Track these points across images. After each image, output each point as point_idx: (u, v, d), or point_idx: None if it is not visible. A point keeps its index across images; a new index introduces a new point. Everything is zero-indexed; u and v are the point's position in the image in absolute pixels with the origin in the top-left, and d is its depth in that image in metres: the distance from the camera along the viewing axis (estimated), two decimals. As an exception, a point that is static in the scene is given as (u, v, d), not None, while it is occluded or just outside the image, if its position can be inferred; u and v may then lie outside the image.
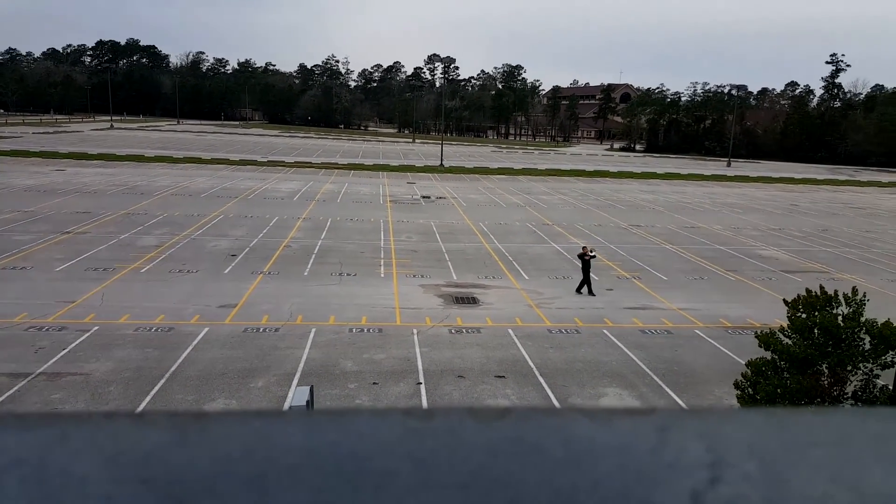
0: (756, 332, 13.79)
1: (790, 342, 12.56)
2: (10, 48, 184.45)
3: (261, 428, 0.57)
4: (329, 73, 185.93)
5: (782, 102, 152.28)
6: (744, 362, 13.56)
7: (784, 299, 14.01)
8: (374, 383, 14.56)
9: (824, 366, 12.28)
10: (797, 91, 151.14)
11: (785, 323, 13.28)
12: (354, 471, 0.53)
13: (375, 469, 0.53)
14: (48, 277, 21.44)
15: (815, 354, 12.21)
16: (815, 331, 12.44)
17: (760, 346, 12.94)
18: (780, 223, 41.53)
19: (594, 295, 22.11)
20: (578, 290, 22.35)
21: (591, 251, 23.05)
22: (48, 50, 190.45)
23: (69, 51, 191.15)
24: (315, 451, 0.55)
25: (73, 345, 15.85)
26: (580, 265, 22.67)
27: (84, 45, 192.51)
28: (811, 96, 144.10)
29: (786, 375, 12.25)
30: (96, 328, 17.00)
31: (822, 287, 13.31)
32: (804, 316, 12.74)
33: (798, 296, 13.30)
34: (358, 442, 0.56)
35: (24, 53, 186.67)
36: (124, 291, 20.28)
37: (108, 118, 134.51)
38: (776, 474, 0.53)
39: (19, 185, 42.27)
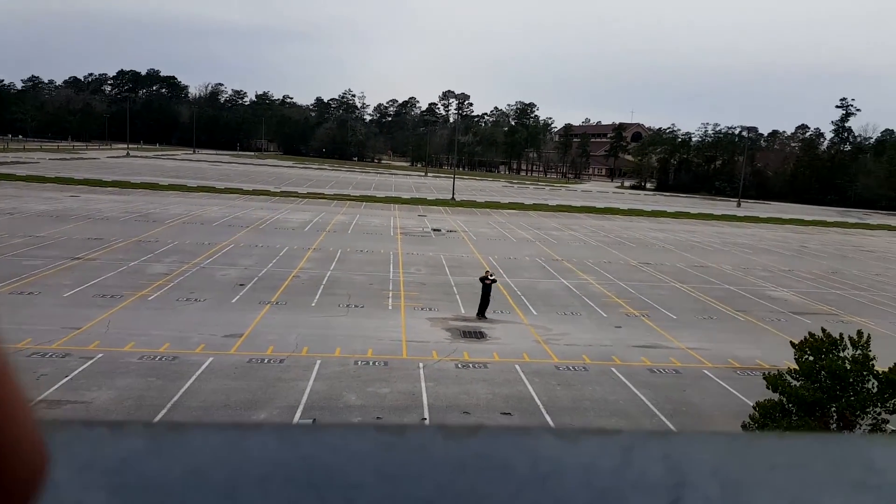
0: (764, 374, 13.67)
1: (798, 384, 12.43)
2: (32, 76, 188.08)
3: (234, 439, 0.58)
4: (345, 107, 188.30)
5: (792, 145, 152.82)
6: (752, 403, 13.43)
7: (791, 341, 13.90)
8: (378, 418, 14.42)
9: (833, 409, 12.14)
10: (807, 133, 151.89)
11: (793, 365, 13.16)
12: (324, 483, 0.54)
13: (344, 482, 0.54)
14: (55, 303, 21.49)
15: (823, 398, 12.07)
16: (823, 373, 12.33)
17: (768, 388, 12.82)
18: (790, 264, 41.30)
19: (486, 318, 22.78)
20: (478, 315, 22.99)
21: (492, 276, 23.89)
22: (70, 78, 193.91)
23: (90, 79, 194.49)
24: (286, 464, 0.55)
25: (76, 372, 15.81)
26: (481, 288, 23.45)
27: (105, 74, 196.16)
28: (821, 139, 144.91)
29: (794, 418, 12.10)
30: (100, 355, 16.97)
31: (823, 330, 13.22)
32: (811, 359, 12.63)
33: (804, 338, 13.20)
34: (329, 455, 0.56)
35: (46, 81, 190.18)
36: (130, 319, 20.29)
37: (125, 146, 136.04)
38: (737, 496, 0.54)
39: (33, 210, 42.66)
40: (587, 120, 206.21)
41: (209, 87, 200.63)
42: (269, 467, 0.55)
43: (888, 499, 0.54)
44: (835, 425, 12.06)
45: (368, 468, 0.55)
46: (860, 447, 0.61)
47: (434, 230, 47.03)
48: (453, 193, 75.22)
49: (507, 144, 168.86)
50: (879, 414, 12.12)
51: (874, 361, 12.45)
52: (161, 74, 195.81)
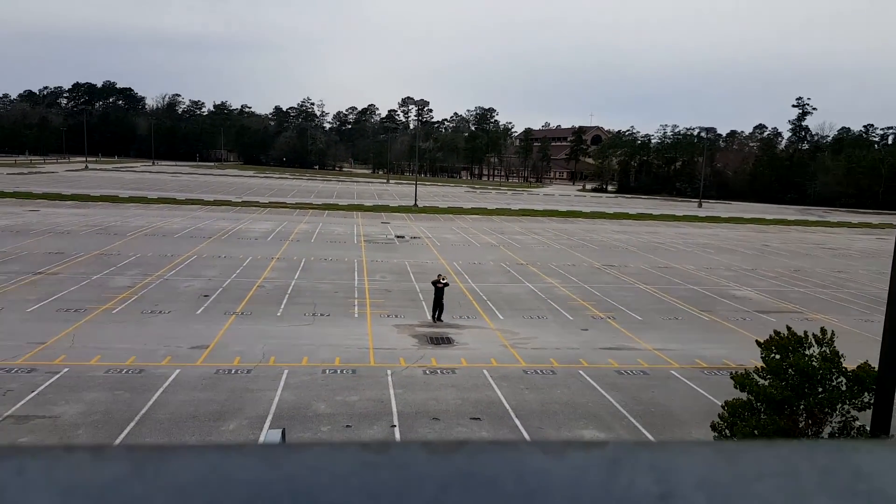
0: (732, 373, 13.85)
1: (766, 383, 12.61)
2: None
3: (218, 461, 0.57)
4: (304, 115, 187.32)
5: (751, 144, 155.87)
6: (720, 403, 13.59)
7: (757, 340, 14.12)
8: (348, 426, 14.36)
9: (801, 407, 12.32)
10: (765, 133, 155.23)
11: (760, 363, 13.36)
12: None
13: (329, 502, 0.53)
14: (19, 318, 20.99)
15: (791, 396, 12.26)
16: (790, 371, 12.52)
17: (736, 387, 12.97)
18: (753, 263, 42.11)
19: (441, 321, 23.08)
20: (433, 318, 23.32)
21: (444, 279, 24.09)
22: (24, 92, 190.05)
23: (45, 92, 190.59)
24: (271, 485, 0.55)
25: (43, 387, 15.47)
26: (433, 293, 23.69)
27: (61, 87, 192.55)
28: (779, 138, 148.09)
29: (763, 417, 12.25)
30: (66, 370, 16.63)
31: (788, 328, 13.44)
32: (778, 357, 12.82)
33: (770, 337, 13.40)
34: (313, 475, 0.56)
35: (0, 95, 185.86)
36: (95, 333, 19.90)
37: (84, 159, 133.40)
38: None
39: (-12, 225, 41.61)
40: (547, 124, 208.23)
41: (166, 98, 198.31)
42: (253, 489, 0.55)
43: None
44: (803, 423, 12.26)
45: (353, 487, 0.55)
46: (848, 453, 0.62)
47: (398, 237, 46.99)
48: (416, 200, 75.25)
49: (467, 150, 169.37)
50: (848, 412, 12.33)
51: (843, 358, 12.69)
52: (117, 86, 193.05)
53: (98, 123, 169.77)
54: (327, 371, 17.61)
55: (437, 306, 23.44)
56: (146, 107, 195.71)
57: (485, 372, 18.14)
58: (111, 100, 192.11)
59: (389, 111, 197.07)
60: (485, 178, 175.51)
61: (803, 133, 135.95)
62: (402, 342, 20.72)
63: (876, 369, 12.09)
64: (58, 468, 0.56)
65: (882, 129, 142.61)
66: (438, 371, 18.09)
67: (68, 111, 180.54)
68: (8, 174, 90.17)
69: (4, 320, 20.76)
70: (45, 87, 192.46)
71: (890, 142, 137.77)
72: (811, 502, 0.55)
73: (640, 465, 0.59)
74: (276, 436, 10.09)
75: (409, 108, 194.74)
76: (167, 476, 0.55)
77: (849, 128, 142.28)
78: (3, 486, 0.54)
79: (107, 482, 0.55)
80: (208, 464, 0.57)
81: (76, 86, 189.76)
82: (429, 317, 23.57)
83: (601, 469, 0.58)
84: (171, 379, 16.41)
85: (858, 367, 12.58)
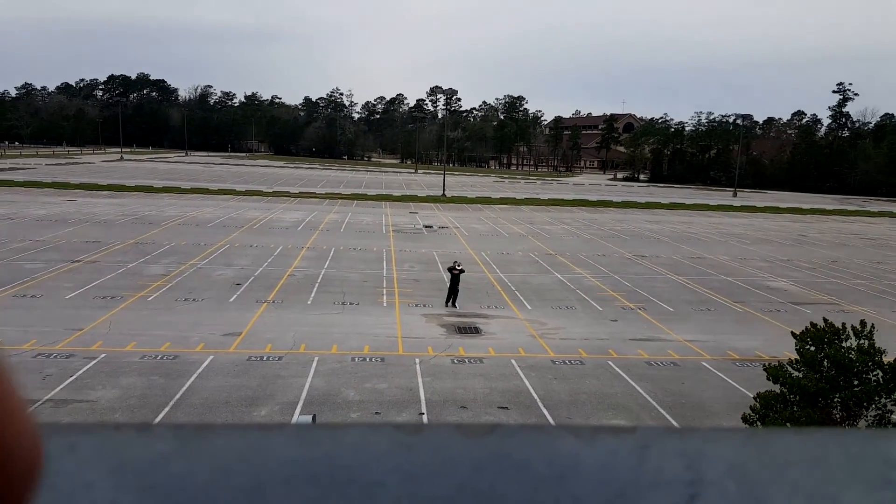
0: (764, 365, 13.65)
1: (800, 375, 12.40)
2: (26, 83, 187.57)
3: (259, 440, 0.59)
4: (333, 106, 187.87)
5: (789, 132, 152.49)
6: (752, 395, 13.44)
7: (792, 332, 13.90)
8: (377, 413, 14.48)
9: (836, 399, 12.11)
10: (804, 120, 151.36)
11: (794, 355, 13.14)
12: (346, 482, 0.55)
13: (366, 481, 0.55)
14: (57, 305, 21.52)
15: (826, 388, 12.04)
16: (825, 363, 12.29)
17: (769, 380, 12.77)
18: (789, 254, 41.40)
19: (456, 307, 23.53)
20: (447, 303, 23.81)
21: (459, 266, 24.52)
22: (62, 84, 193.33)
23: (82, 85, 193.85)
24: (310, 463, 0.57)
25: (80, 372, 15.87)
26: (449, 279, 24.39)
27: (96, 79, 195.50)
28: (818, 126, 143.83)
29: (795, 409, 12.07)
30: (103, 356, 17.02)
31: (825, 319, 13.19)
32: (813, 349, 12.60)
33: (806, 328, 13.17)
34: (350, 454, 0.58)
35: (38, 88, 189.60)
36: (131, 319, 20.32)
37: (119, 150, 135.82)
38: (754, 493, 0.54)
39: (32, 214, 42.61)
40: (577, 112, 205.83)
41: (199, 90, 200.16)
42: (293, 467, 0.56)
43: None
44: (838, 416, 12.05)
45: (389, 467, 0.56)
46: (878, 442, 0.62)
47: (426, 227, 47.05)
48: (444, 189, 75.22)
49: (496, 139, 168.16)
50: (885, 405, 12.07)
51: (884, 353, 12.40)
52: (151, 78, 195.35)
53: (132, 115, 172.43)
54: (356, 359, 17.76)
55: (452, 292, 23.94)
56: (179, 98, 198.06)
57: (513, 362, 18.15)
58: (145, 91, 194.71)
59: (418, 100, 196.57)
60: (513, 168, 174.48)
61: (844, 120, 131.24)
62: (430, 331, 20.80)
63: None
64: (107, 445, 0.59)
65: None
66: (466, 360, 18.15)
67: (104, 103, 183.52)
68: (46, 165, 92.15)
69: (43, 307, 21.28)
70: (82, 80, 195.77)
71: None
72: (841, 490, 0.55)
73: (670, 450, 0.59)
74: (307, 421, 10.23)
75: (438, 97, 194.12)
76: (210, 454, 0.57)
77: (892, 114, 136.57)
78: (57, 461, 0.56)
79: (153, 459, 0.57)
80: (249, 443, 0.59)
81: (111, 78, 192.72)
82: (459, 308, 23.61)
83: (631, 454, 0.58)
84: (204, 365, 16.70)
85: None
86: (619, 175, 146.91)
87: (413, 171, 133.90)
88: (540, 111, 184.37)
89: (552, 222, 53.15)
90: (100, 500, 0.53)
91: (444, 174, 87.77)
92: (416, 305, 23.80)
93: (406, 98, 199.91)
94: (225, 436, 0.60)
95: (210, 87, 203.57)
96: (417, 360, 17.86)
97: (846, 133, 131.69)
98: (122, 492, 0.54)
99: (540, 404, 15.36)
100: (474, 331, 21.10)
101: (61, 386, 15.04)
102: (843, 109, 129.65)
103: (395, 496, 0.54)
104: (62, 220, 40.92)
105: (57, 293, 23.00)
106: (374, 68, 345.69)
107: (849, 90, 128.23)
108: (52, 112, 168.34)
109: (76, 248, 31.58)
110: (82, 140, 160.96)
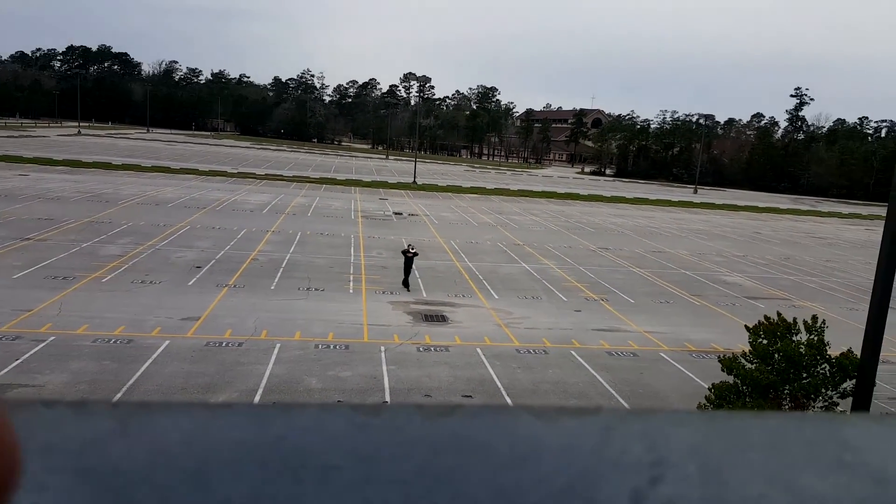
0: (719, 357, 13.95)
1: (752, 367, 12.71)
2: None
3: (205, 420, 0.56)
4: (304, 87, 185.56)
5: (748, 133, 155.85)
6: (707, 386, 13.69)
7: (746, 325, 14.21)
8: (339, 402, 14.35)
9: (786, 391, 12.44)
10: (762, 122, 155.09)
11: (747, 348, 13.44)
12: (298, 465, 0.52)
13: (319, 464, 0.52)
14: (5, 285, 20.84)
15: (777, 381, 12.37)
16: (776, 356, 12.61)
17: (723, 371, 13.08)
18: (744, 250, 42.25)
19: (409, 290, 24.11)
20: (404, 284, 24.49)
21: (413, 249, 25.38)
22: (16, 53, 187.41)
23: (38, 55, 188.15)
24: (258, 445, 0.54)
25: (27, 355, 15.39)
26: (402, 261, 25.19)
27: (54, 49, 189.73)
28: (776, 128, 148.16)
29: (748, 400, 12.38)
30: (52, 338, 16.55)
31: (779, 314, 13.52)
32: (766, 342, 12.92)
33: (759, 322, 13.48)
34: (303, 436, 0.55)
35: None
36: (84, 301, 19.79)
37: (76, 124, 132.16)
38: (715, 475, 0.55)
39: (-20, 189, 41.28)
40: (548, 105, 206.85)
41: (163, 65, 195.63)
42: (241, 449, 0.53)
43: (863, 477, 0.55)
44: (787, 407, 12.38)
45: (344, 449, 0.54)
46: (836, 426, 0.62)
47: (396, 214, 46.85)
48: (415, 177, 74.95)
49: (468, 128, 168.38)
50: (831, 398, 12.47)
51: (828, 346, 12.80)
52: (113, 51, 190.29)
53: (92, 88, 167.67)
54: (320, 346, 17.58)
55: (406, 273, 24.70)
56: (142, 73, 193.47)
57: (478, 350, 18.16)
58: (106, 64, 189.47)
59: (391, 86, 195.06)
60: (485, 158, 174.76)
61: (800, 123, 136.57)
62: (396, 319, 20.70)
63: (858, 357, 12.19)
64: (38, 423, 0.54)
65: (876, 121, 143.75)
66: (432, 348, 18.10)
67: (61, 74, 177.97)
68: None
69: (-6, 285, 20.61)
70: (38, 49, 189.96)
71: (883, 134, 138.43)
72: (799, 472, 0.56)
73: (633, 432, 0.59)
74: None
75: (411, 83, 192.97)
76: (151, 434, 0.54)
77: (844, 119, 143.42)
78: None
79: (89, 438, 0.53)
80: (193, 422, 0.55)
81: (70, 49, 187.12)
82: (427, 296, 23.58)
83: (593, 435, 0.58)
84: (160, 350, 16.35)
85: (842, 354, 12.70)
86: (587, 169, 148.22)
87: (384, 157, 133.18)
88: (512, 103, 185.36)
89: (521, 213, 53.35)
90: (28, 483, 0.47)
91: (416, 161, 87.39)
92: (384, 293, 23.66)
93: (379, 83, 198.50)
94: (167, 415, 0.56)
95: (175, 62, 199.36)
96: (383, 348, 17.75)
97: (801, 136, 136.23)
98: (53, 474, 0.49)
99: (504, 392, 15.41)
100: (441, 319, 21.05)
101: (6, 369, 14.57)
102: (800, 113, 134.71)
103: (350, 479, 0.51)
104: (12, 195, 39.64)
105: (4, 272, 22.29)
106: (347, 52, 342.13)
107: (805, 95, 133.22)
108: (5, 82, 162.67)
109: (27, 225, 30.65)
110: (37, 112, 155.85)
